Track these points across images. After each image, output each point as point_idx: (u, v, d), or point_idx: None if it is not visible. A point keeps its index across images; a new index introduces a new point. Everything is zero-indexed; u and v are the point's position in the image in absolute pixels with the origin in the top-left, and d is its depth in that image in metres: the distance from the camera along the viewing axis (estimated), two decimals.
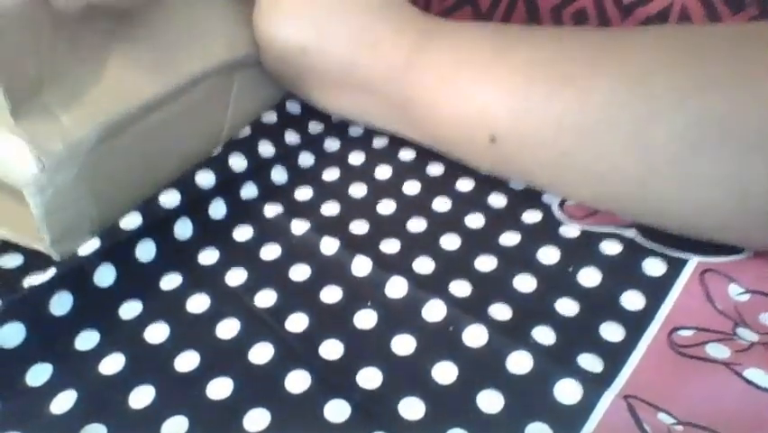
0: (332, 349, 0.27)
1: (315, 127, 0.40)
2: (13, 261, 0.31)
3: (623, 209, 0.30)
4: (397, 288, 0.29)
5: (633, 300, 0.28)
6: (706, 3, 0.35)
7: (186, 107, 0.33)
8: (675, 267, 0.29)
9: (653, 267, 0.29)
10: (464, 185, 0.35)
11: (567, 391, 0.25)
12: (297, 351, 0.27)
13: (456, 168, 0.35)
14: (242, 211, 0.34)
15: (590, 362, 0.26)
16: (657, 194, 0.28)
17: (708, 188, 0.26)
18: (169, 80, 0.32)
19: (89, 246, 0.29)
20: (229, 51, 0.35)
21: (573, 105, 0.28)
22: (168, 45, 0.33)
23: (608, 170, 0.28)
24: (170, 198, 0.32)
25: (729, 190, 0.26)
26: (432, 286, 0.29)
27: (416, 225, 0.33)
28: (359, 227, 0.33)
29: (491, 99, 0.31)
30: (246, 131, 0.37)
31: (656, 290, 0.28)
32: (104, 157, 0.29)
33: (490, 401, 0.25)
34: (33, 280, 0.28)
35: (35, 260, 0.30)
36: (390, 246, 0.32)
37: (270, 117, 0.39)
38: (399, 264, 0.30)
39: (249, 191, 0.35)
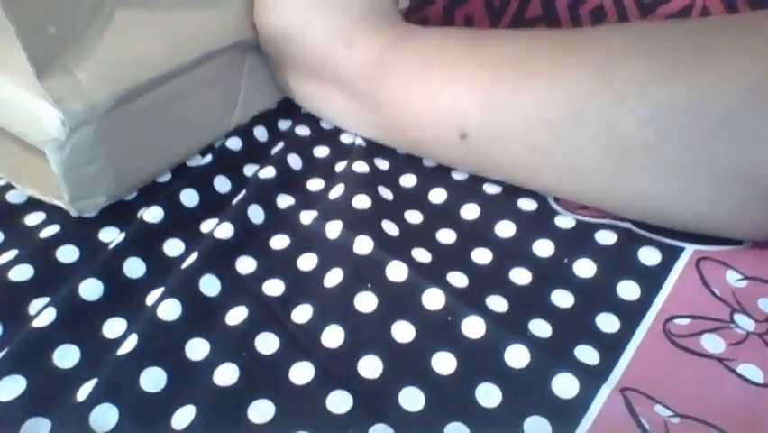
0: (333, 336, 0.27)
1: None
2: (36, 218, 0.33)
3: (605, 205, 0.30)
4: (397, 272, 0.29)
5: (628, 291, 0.28)
6: (727, 2, 0.35)
7: (198, 81, 0.35)
8: (671, 256, 0.29)
9: (649, 256, 0.29)
10: (459, 175, 0.35)
11: (564, 385, 0.25)
12: (300, 341, 0.27)
13: None
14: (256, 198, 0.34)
15: (587, 354, 0.26)
16: (633, 185, 0.28)
17: (682, 176, 0.27)
18: (183, 54, 0.34)
19: (116, 239, 0.31)
20: (240, 32, 0.37)
21: (540, 99, 0.29)
22: (184, 20, 0.35)
23: (581, 162, 0.29)
24: (191, 196, 0.34)
25: (703, 177, 0.26)
26: (430, 275, 0.29)
27: (413, 216, 0.33)
28: (360, 208, 0.33)
29: (459, 96, 0.31)
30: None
31: (652, 280, 0.28)
32: (119, 121, 0.32)
33: (489, 395, 0.25)
34: (65, 257, 0.31)
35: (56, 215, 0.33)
36: (391, 230, 0.32)
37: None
38: (399, 249, 0.30)
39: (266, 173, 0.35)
